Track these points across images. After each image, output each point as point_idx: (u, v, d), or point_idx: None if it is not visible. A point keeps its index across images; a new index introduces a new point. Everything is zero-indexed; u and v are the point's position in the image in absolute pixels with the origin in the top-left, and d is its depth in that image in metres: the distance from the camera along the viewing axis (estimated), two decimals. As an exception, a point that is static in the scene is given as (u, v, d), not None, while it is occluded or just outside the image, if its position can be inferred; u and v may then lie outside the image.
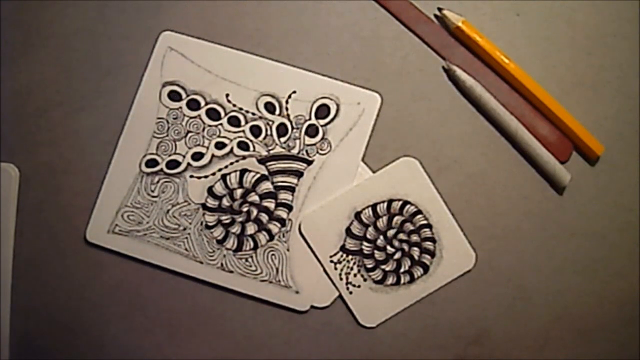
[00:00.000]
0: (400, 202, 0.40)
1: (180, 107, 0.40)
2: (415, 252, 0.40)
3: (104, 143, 0.40)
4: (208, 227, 0.40)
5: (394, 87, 0.41)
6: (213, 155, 0.40)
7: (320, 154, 0.40)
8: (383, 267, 0.40)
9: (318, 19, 0.41)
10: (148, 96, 0.40)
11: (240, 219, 0.40)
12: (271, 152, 0.40)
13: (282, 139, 0.40)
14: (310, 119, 0.40)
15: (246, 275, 0.39)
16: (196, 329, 0.40)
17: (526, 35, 0.42)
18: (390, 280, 0.40)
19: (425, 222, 0.40)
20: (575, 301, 0.40)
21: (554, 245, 0.41)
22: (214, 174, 0.40)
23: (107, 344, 0.40)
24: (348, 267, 0.39)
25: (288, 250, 0.40)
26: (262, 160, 0.40)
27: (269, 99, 0.40)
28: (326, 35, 0.41)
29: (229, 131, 0.40)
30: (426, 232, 0.40)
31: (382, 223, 0.40)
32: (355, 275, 0.39)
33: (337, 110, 0.40)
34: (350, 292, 0.39)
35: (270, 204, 0.40)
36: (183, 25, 0.41)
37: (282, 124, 0.40)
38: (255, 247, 0.40)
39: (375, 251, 0.40)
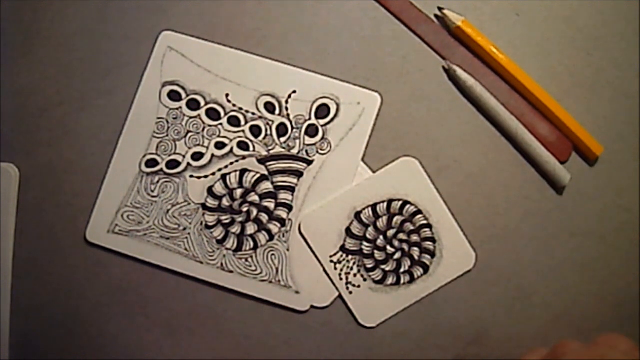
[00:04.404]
0: (400, 202, 0.40)
1: (180, 107, 0.40)
2: (415, 252, 0.40)
3: (104, 143, 0.40)
4: (208, 227, 0.40)
5: (394, 87, 0.41)
6: (213, 155, 0.40)
7: (320, 154, 0.40)
8: (383, 267, 0.40)
9: (318, 19, 0.41)
10: (148, 96, 0.40)
11: (240, 219, 0.40)
12: (271, 152, 0.40)
13: (282, 139, 0.40)
14: (310, 118, 0.40)
15: (246, 275, 0.39)
16: (196, 329, 0.40)
17: (526, 35, 0.42)
18: (390, 280, 0.40)
19: (425, 222, 0.40)
20: (575, 301, 0.40)
21: (553, 245, 0.41)
22: (214, 174, 0.40)
23: (107, 344, 0.40)
24: (348, 267, 0.40)
25: (288, 250, 0.40)
26: (262, 160, 0.40)
27: (268, 98, 0.40)
28: (326, 35, 0.41)
29: (229, 131, 0.40)
30: (426, 232, 0.40)
31: (382, 223, 0.40)
32: (355, 275, 0.39)
33: (337, 110, 0.40)
34: (350, 292, 0.39)
35: (270, 204, 0.40)
36: (183, 25, 0.41)
37: (282, 124, 0.40)
38: (255, 247, 0.40)
39: (375, 251, 0.40)
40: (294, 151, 0.40)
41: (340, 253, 0.40)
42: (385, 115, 0.41)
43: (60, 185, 0.40)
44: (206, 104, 0.40)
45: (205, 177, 0.40)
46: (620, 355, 0.27)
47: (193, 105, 0.40)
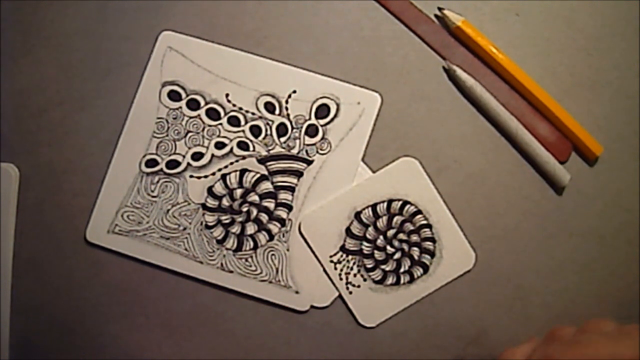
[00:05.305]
0: (400, 202, 0.40)
1: (180, 107, 0.40)
2: (415, 252, 0.40)
3: (104, 143, 0.40)
4: (208, 227, 0.40)
5: (394, 87, 0.41)
6: (213, 155, 0.40)
7: (320, 153, 0.40)
8: (383, 267, 0.40)
9: (318, 19, 0.41)
10: (148, 96, 0.40)
11: (240, 219, 0.40)
12: (271, 152, 0.40)
13: (282, 139, 0.40)
14: (310, 118, 0.40)
15: (246, 275, 0.39)
16: (196, 329, 0.40)
17: (526, 35, 0.42)
18: (390, 280, 0.40)
19: (425, 222, 0.40)
20: (574, 301, 0.40)
21: (553, 245, 0.41)
22: (213, 173, 0.40)
23: (107, 344, 0.40)
24: (348, 267, 0.40)
25: (288, 250, 0.40)
26: (262, 160, 0.40)
27: (268, 98, 0.40)
28: (326, 35, 0.41)
29: (229, 131, 0.40)
30: (426, 232, 0.40)
31: (382, 223, 0.40)
32: (355, 275, 0.40)
33: (337, 110, 0.40)
34: (350, 292, 0.39)
35: (270, 204, 0.40)
36: (183, 25, 0.41)
37: (282, 124, 0.40)
38: (255, 247, 0.40)
39: (375, 251, 0.40)
40: (294, 151, 0.40)
41: (340, 253, 0.40)
42: (385, 115, 0.41)
43: (60, 185, 0.40)
44: (206, 103, 0.40)
45: (205, 177, 0.40)
46: (605, 338, 0.29)
47: (193, 105, 0.40)
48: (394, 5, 0.41)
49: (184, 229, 0.40)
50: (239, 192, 0.40)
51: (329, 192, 0.40)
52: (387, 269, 0.40)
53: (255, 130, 0.40)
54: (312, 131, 0.40)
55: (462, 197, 0.40)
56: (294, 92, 0.40)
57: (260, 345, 0.40)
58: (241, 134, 0.40)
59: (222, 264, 0.39)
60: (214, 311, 0.40)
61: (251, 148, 0.40)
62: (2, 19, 0.41)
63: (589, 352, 0.29)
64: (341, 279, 0.39)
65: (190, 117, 0.40)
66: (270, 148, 0.40)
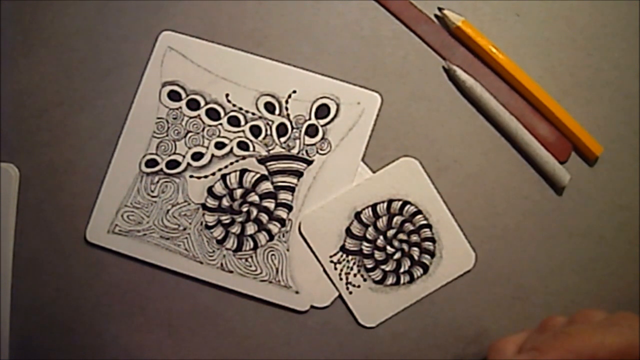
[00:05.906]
0: (400, 202, 0.40)
1: (180, 107, 0.40)
2: (415, 252, 0.40)
3: (104, 143, 0.40)
4: (208, 227, 0.40)
5: (394, 87, 0.41)
6: (213, 155, 0.40)
7: (320, 154, 0.40)
8: (383, 267, 0.40)
9: (318, 19, 0.41)
10: (148, 96, 0.40)
11: (240, 219, 0.40)
12: (271, 152, 0.40)
13: (282, 139, 0.40)
14: (310, 118, 0.40)
15: (246, 275, 0.39)
16: (196, 329, 0.40)
17: (526, 35, 0.42)
18: (390, 280, 0.40)
19: (425, 222, 0.40)
20: (574, 301, 0.40)
21: (553, 245, 0.41)
22: (213, 174, 0.40)
23: (107, 343, 0.40)
24: (348, 267, 0.40)
25: (288, 250, 0.40)
26: (262, 160, 0.40)
27: (268, 98, 0.40)
28: (326, 35, 0.41)
29: (229, 131, 0.40)
30: (426, 232, 0.40)
31: (382, 223, 0.40)
32: (355, 275, 0.40)
33: (337, 110, 0.40)
34: (350, 292, 0.39)
35: (270, 204, 0.40)
36: (183, 25, 0.41)
37: (282, 124, 0.40)
38: (255, 247, 0.40)
39: (375, 251, 0.40)
40: (294, 151, 0.40)
41: (340, 253, 0.40)
42: (385, 115, 0.41)
43: (60, 185, 0.40)
44: (206, 104, 0.40)
45: (205, 177, 0.40)
46: (593, 328, 0.29)
47: (193, 105, 0.40)
48: (394, 5, 0.41)
49: (184, 229, 0.40)
50: (239, 192, 0.40)
51: (329, 192, 0.40)
52: (387, 269, 0.40)
53: (255, 130, 0.40)
54: (312, 131, 0.40)
55: (462, 197, 0.40)
56: (294, 92, 0.40)
57: (260, 345, 0.40)
58: (241, 134, 0.40)
59: (222, 264, 0.39)
60: (214, 311, 0.40)
61: (251, 148, 0.40)
62: (2, 19, 0.41)
63: (576, 342, 0.28)
64: (341, 279, 0.39)
65: (190, 117, 0.40)
66: (270, 148, 0.40)
